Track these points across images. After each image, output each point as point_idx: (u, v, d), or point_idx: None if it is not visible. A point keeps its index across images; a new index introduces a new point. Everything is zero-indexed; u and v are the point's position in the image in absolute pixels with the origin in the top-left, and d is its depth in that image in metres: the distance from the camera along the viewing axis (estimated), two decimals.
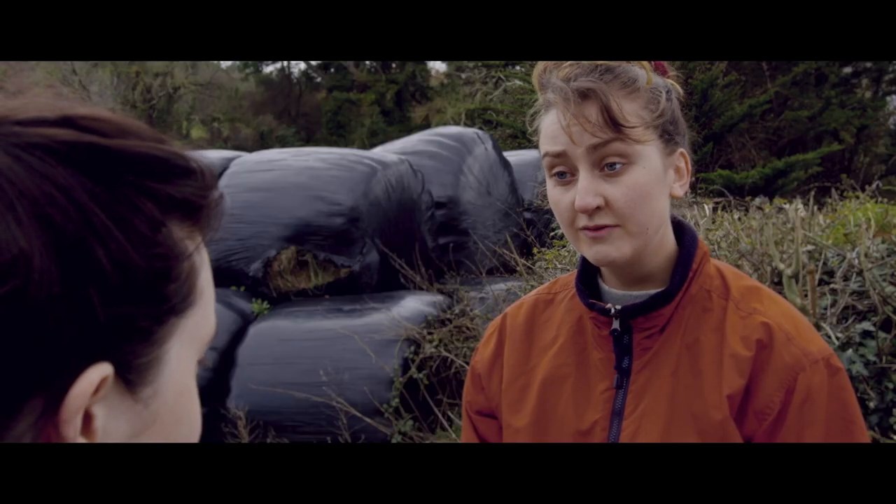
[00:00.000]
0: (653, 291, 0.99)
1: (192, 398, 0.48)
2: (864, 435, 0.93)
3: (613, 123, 0.90)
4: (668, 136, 0.95)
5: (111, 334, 0.40)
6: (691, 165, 1.00)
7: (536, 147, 1.00)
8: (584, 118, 0.90)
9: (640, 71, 0.94)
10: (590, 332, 1.03)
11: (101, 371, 0.40)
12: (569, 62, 0.93)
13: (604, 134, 0.90)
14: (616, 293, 1.01)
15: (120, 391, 0.42)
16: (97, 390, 0.40)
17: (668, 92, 0.97)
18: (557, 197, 0.96)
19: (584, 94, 0.90)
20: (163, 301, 0.43)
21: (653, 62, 0.97)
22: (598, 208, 0.92)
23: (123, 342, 0.41)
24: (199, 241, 0.47)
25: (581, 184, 0.92)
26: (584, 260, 1.04)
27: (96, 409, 0.41)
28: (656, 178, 0.94)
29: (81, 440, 0.40)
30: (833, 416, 0.91)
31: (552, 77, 0.94)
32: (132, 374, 0.42)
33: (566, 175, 0.94)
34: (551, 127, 0.94)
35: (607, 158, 0.91)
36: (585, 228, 0.94)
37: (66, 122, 0.42)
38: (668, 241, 1.00)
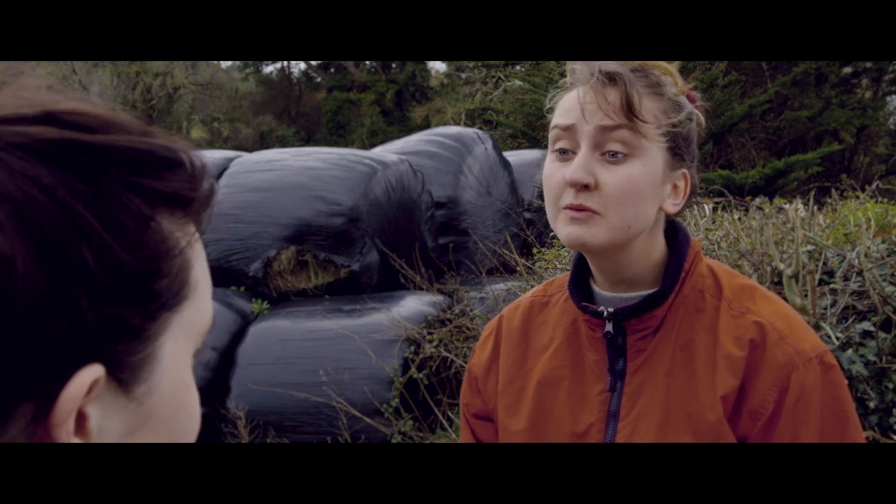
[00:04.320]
0: (644, 293, 0.99)
1: (188, 391, 0.47)
2: (858, 431, 0.93)
3: (629, 109, 0.90)
4: (676, 150, 0.95)
5: (101, 335, 0.39)
6: (690, 189, 1.00)
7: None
8: (603, 97, 0.91)
9: (669, 80, 0.95)
10: (584, 334, 1.03)
11: (92, 373, 0.39)
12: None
13: (616, 117, 0.91)
14: (608, 295, 1.01)
15: (113, 390, 0.41)
16: (89, 392, 0.39)
17: (689, 113, 0.97)
18: (552, 171, 0.95)
19: (611, 78, 0.92)
20: (153, 298, 0.42)
21: (685, 89, 0.98)
22: (587, 188, 0.91)
23: (114, 342, 0.40)
24: (192, 233, 0.45)
25: (578, 159, 0.92)
26: (576, 262, 1.04)
27: (90, 409, 0.40)
28: (652, 181, 0.93)
29: (75, 441, 0.40)
30: (827, 413, 0.91)
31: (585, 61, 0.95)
32: (125, 374, 0.41)
33: (567, 153, 0.94)
34: (568, 102, 0.95)
35: (611, 144, 0.91)
36: (568, 207, 0.93)
37: (48, 118, 0.41)
38: (658, 245, 1.00)
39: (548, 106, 1.00)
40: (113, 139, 0.41)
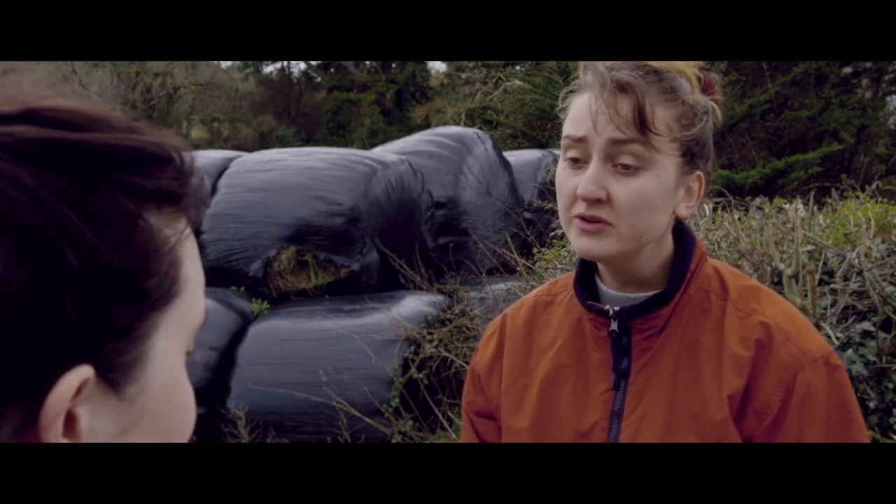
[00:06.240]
0: (651, 293, 0.99)
1: (181, 388, 0.47)
2: (863, 431, 0.93)
3: (641, 123, 0.88)
4: (690, 156, 0.94)
5: (89, 336, 0.39)
6: (705, 190, 0.99)
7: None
8: (615, 110, 0.89)
9: (686, 84, 0.93)
10: (588, 332, 1.03)
11: (80, 374, 0.39)
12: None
13: (628, 131, 0.89)
14: (614, 294, 1.01)
15: (104, 391, 0.41)
16: (78, 393, 0.39)
17: (705, 113, 0.95)
18: (564, 179, 0.95)
19: (622, 87, 0.89)
20: (142, 297, 0.41)
21: (702, 77, 0.95)
22: (599, 201, 0.91)
23: (103, 343, 0.40)
24: (182, 229, 0.45)
25: (589, 172, 0.91)
26: (581, 260, 1.04)
27: (80, 410, 0.40)
28: (665, 191, 0.93)
29: (65, 442, 0.39)
30: (832, 413, 0.92)
31: (597, 62, 0.93)
32: (115, 374, 0.41)
33: (579, 161, 0.93)
34: (580, 110, 0.93)
35: (623, 157, 0.90)
36: (580, 217, 0.93)
37: (30, 116, 0.40)
38: (667, 247, 1.00)
39: (560, 106, 0.99)
40: (97, 136, 0.41)
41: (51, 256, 0.37)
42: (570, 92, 0.98)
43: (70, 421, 0.40)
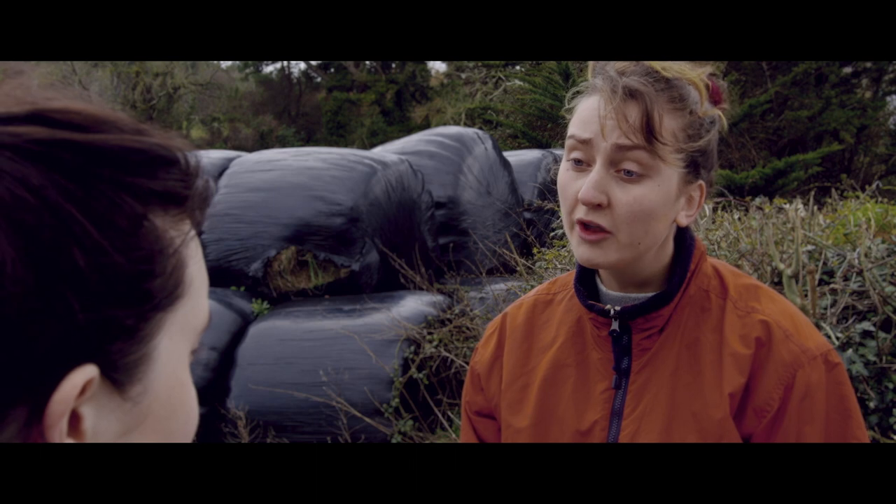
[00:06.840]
0: (651, 293, 0.99)
1: (185, 390, 0.47)
2: (862, 429, 0.93)
3: (648, 131, 0.89)
4: (693, 166, 0.94)
5: (94, 336, 0.39)
6: (706, 199, 0.99)
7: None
8: (623, 116, 0.89)
9: (695, 93, 0.93)
10: (589, 332, 1.03)
11: (84, 374, 0.39)
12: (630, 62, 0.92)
13: (634, 138, 0.89)
14: (614, 294, 1.01)
15: (108, 391, 0.41)
16: (82, 393, 0.39)
17: (712, 124, 0.96)
18: (567, 181, 0.95)
19: (632, 94, 0.89)
20: (147, 298, 0.42)
21: (710, 85, 0.95)
22: (600, 206, 0.91)
23: (107, 343, 0.40)
24: (187, 231, 0.45)
25: (591, 176, 0.91)
26: None
27: (84, 409, 0.40)
28: (665, 200, 0.93)
29: (69, 441, 0.40)
30: (831, 411, 0.92)
31: (607, 65, 0.93)
32: (119, 374, 0.41)
33: (582, 163, 0.93)
34: (587, 112, 0.93)
35: (626, 163, 0.90)
36: (580, 224, 0.93)
37: (38, 117, 0.40)
38: (668, 250, 1.00)
39: (567, 106, 0.99)
40: (104, 138, 0.41)
41: (58, 256, 0.37)
42: (578, 92, 0.98)
43: (74, 420, 0.40)
